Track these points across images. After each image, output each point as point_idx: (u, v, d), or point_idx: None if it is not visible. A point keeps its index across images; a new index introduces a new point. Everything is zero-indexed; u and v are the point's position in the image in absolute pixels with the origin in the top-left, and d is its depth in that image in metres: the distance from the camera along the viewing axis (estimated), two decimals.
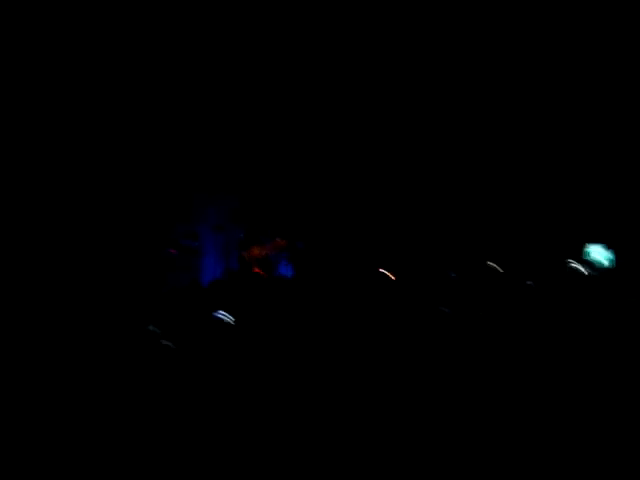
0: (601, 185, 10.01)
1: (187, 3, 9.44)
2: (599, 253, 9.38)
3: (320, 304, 7.85)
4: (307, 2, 9.64)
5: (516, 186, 10.42)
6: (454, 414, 4.76)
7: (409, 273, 8.91)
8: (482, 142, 10.50)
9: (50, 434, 4.72)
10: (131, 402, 5.37)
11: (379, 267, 8.85)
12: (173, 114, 9.84)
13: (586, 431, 4.31)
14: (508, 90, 10.29)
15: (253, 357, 6.34)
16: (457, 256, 9.58)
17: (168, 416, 5.08)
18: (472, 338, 6.34)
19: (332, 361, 5.98)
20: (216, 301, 8.26)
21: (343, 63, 10.11)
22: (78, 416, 5.03)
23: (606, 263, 9.29)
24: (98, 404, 5.28)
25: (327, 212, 10.36)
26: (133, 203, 9.76)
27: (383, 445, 4.31)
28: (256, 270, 9.93)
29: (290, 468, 4.16)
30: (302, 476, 4.11)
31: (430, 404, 4.93)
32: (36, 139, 9.17)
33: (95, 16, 9.08)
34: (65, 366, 6.15)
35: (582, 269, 8.81)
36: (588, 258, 9.41)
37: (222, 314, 7.60)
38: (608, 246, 9.38)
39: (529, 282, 8.36)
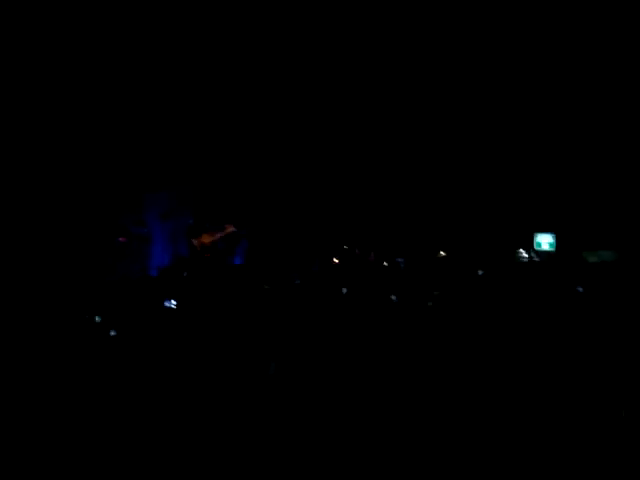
0: (548, 177, 10.18)
1: None
2: (546, 241, 9.60)
3: (268, 290, 7.81)
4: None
5: (469, 179, 10.53)
6: (399, 403, 4.76)
7: (357, 259, 8.93)
8: (439, 134, 10.56)
9: None
10: (75, 394, 5.25)
11: (327, 253, 8.85)
12: (123, 103, 9.63)
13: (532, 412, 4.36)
14: (475, 81, 10.35)
15: (199, 343, 6.26)
16: (407, 245, 9.64)
17: (111, 409, 4.97)
18: (419, 326, 6.36)
19: (279, 345, 5.94)
20: (164, 288, 8.14)
21: (308, 47, 10.02)
22: (22, 408, 4.88)
23: (551, 250, 9.51)
24: (43, 396, 5.14)
25: (276, 199, 10.30)
26: (81, 191, 9.55)
27: (333, 433, 4.29)
28: (206, 256, 9.84)
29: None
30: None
31: (379, 393, 4.92)
32: None
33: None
34: (9, 357, 5.97)
35: (530, 256, 8.98)
36: (536, 246, 9.61)
37: (170, 302, 7.51)
38: (555, 235, 9.59)
39: (480, 271, 8.46)
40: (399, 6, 9.80)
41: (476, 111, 10.39)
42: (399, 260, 8.75)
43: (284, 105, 10.26)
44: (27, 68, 8.97)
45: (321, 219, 10.34)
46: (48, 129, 9.26)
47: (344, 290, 7.60)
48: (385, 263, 8.78)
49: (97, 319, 7.12)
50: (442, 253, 8.93)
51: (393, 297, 7.14)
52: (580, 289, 7.39)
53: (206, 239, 9.90)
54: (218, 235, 9.93)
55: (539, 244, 9.63)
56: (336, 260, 8.82)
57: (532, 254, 9.04)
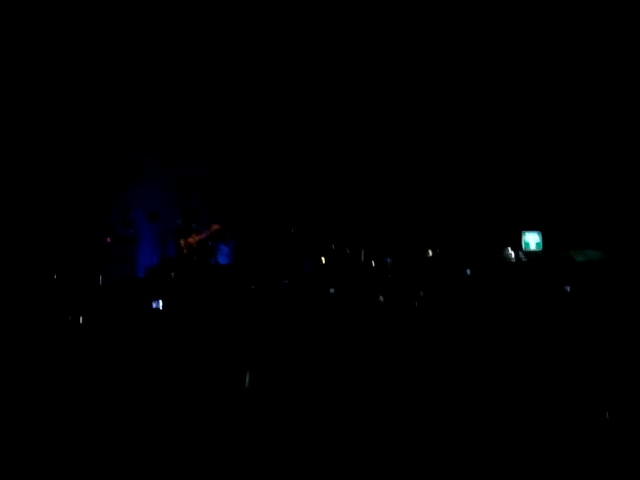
0: (535, 175, 10.20)
1: None
2: (533, 240, 9.60)
3: (257, 291, 7.76)
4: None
5: (456, 177, 10.53)
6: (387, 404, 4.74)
7: (344, 258, 8.91)
8: (424, 133, 10.55)
9: None
10: (57, 397, 5.20)
11: (316, 253, 8.82)
12: (107, 100, 9.56)
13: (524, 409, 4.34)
14: (457, 82, 10.35)
15: (187, 346, 6.21)
16: (395, 244, 9.62)
17: (98, 414, 4.92)
18: (405, 327, 6.33)
19: (268, 348, 5.90)
20: (152, 290, 8.08)
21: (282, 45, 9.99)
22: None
23: (538, 249, 9.51)
24: (27, 400, 5.09)
25: (264, 198, 10.27)
26: (67, 191, 9.48)
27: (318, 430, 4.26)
28: (194, 258, 9.79)
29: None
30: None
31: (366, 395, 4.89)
32: None
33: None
34: None
35: (518, 256, 8.97)
36: (524, 246, 9.61)
37: (158, 303, 7.45)
38: (542, 233, 9.60)
39: (467, 270, 8.43)
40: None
41: (460, 110, 10.39)
42: (387, 260, 8.72)
43: (269, 105, 10.22)
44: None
45: (310, 218, 10.31)
46: (30, 127, 9.18)
47: (332, 290, 7.57)
48: (373, 262, 8.75)
49: (81, 320, 7.06)
50: (430, 252, 8.90)
51: (381, 298, 7.11)
52: (567, 288, 7.38)
53: (192, 239, 9.85)
54: (204, 234, 9.89)
55: (527, 243, 9.63)
56: (323, 259, 8.79)
57: (520, 254, 9.03)
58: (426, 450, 4.10)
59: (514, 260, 8.67)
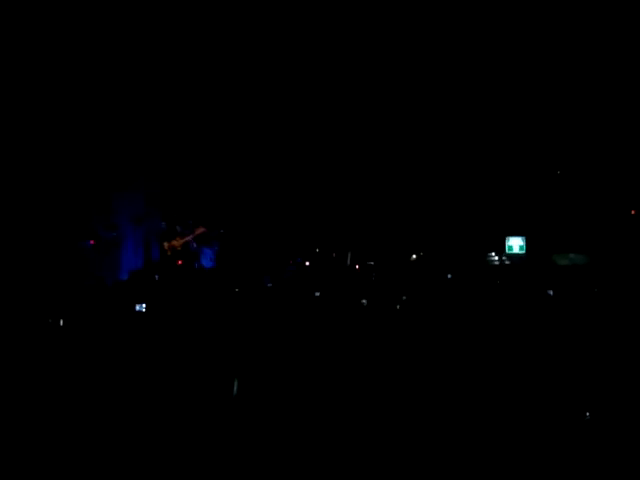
0: (518, 180, 10.27)
1: None
2: (517, 244, 9.66)
3: (241, 294, 7.74)
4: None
5: (441, 183, 10.57)
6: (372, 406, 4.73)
7: (330, 262, 8.91)
8: (411, 140, 10.58)
9: None
10: (40, 401, 5.13)
11: (301, 256, 8.82)
12: (92, 104, 9.50)
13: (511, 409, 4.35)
14: (443, 88, 10.38)
15: (171, 350, 6.16)
16: (380, 248, 9.64)
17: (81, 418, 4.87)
18: (388, 330, 6.33)
19: (254, 352, 5.88)
20: (136, 293, 8.03)
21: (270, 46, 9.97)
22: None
23: (521, 253, 9.58)
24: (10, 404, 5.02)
25: (247, 202, 10.25)
26: (49, 194, 9.39)
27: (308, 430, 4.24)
28: (179, 262, 9.75)
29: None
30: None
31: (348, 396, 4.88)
32: None
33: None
34: None
35: (502, 260, 9.02)
36: (507, 250, 9.67)
37: (141, 307, 7.40)
38: (525, 238, 9.67)
39: (449, 275, 8.48)
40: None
41: (446, 117, 10.43)
42: (370, 263, 8.75)
43: (255, 111, 10.21)
44: None
45: (295, 222, 10.31)
46: (13, 128, 9.10)
47: (317, 294, 7.57)
48: (357, 266, 8.77)
49: (61, 323, 6.99)
50: (414, 256, 8.93)
51: (364, 301, 7.12)
52: (550, 292, 7.43)
53: (176, 242, 9.81)
54: (188, 237, 9.85)
55: (510, 247, 9.69)
56: (307, 263, 8.80)
57: (504, 258, 9.09)
58: (413, 451, 4.10)
59: (498, 263, 8.74)
